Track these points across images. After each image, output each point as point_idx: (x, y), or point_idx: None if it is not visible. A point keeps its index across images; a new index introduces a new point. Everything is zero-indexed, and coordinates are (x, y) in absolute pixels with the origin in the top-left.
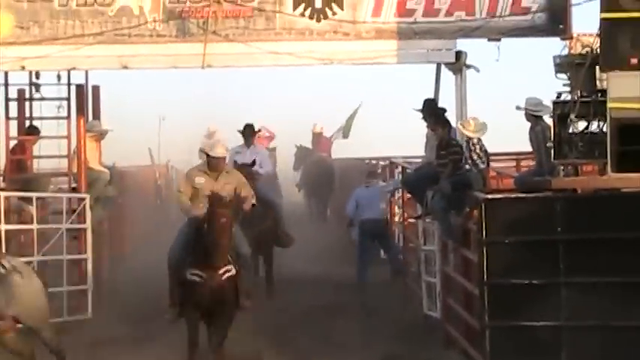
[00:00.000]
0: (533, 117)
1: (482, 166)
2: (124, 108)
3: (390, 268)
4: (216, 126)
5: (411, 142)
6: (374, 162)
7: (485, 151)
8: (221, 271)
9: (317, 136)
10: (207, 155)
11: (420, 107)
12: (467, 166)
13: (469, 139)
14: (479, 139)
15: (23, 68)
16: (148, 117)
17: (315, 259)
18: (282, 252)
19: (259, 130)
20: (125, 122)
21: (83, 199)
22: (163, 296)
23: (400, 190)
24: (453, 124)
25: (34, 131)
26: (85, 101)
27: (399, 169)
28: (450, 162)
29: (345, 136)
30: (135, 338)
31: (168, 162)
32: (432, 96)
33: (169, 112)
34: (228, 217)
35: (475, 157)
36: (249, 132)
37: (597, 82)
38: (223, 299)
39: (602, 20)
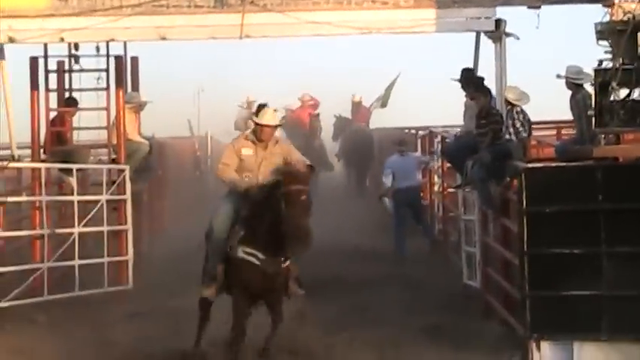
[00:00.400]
0: (574, 85)
1: (524, 134)
2: (163, 79)
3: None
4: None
5: (451, 111)
6: (413, 131)
7: (529, 120)
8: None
9: (356, 106)
10: (256, 123)
11: (459, 77)
12: (508, 135)
13: (512, 106)
14: (522, 109)
15: (62, 40)
16: (186, 88)
17: (354, 230)
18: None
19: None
20: (164, 93)
21: (123, 171)
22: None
23: (439, 159)
24: (493, 92)
25: (72, 103)
26: (123, 73)
27: (439, 138)
28: (489, 131)
29: (384, 105)
30: (174, 310)
31: (207, 133)
32: (471, 65)
33: (208, 83)
34: (307, 194)
35: (518, 125)
36: None
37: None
38: (275, 287)
39: None
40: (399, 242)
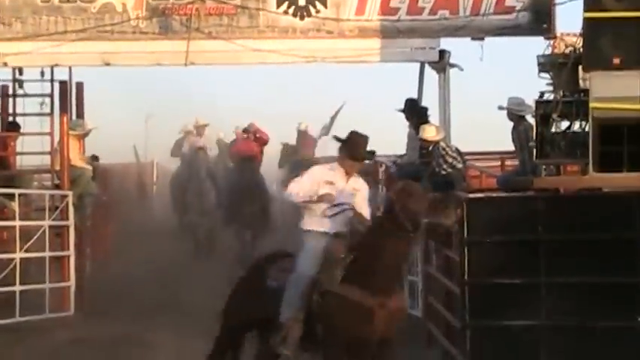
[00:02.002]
0: (516, 116)
1: (460, 165)
2: (109, 105)
3: None
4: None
5: (395, 141)
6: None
7: (457, 150)
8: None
9: (302, 134)
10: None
11: (402, 107)
12: (443, 171)
13: (436, 144)
14: (446, 143)
15: (6, 64)
16: (134, 114)
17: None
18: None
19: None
20: (111, 119)
21: (66, 196)
22: (145, 294)
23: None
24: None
25: (15, 127)
26: (68, 98)
27: (383, 167)
28: (430, 162)
29: (326, 133)
30: (115, 337)
31: (153, 160)
32: (415, 95)
33: (156, 109)
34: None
35: (450, 159)
36: None
37: (580, 82)
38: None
39: (585, 20)
40: None
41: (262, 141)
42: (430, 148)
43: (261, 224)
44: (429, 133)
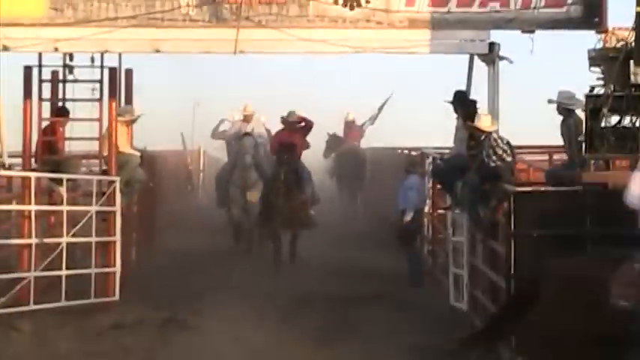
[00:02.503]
0: (566, 110)
1: (509, 159)
2: (158, 91)
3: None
4: (252, 107)
5: (443, 132)
6: (406, 152)
7: (509, 143)
8: None
9: (349, 125)
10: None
11: (451, 99)
12: (492, 163)
13: (489, 134)
14: (498, 135)
15: (57, 50)
16: (182, 102)
17: (345, 248)
18: (313, 240)
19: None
20: (158, 106)
21: (113, 182)
22: (189, 280)
23: (430, 180)
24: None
25: (64, 113)
26: (117, 84)
27: (430, 159)
28: (480, 153)
29: (372, 124)
30: (160, 322)
31: (200, 147)
32: (464, 87)
33: (204, 97)
34: None
35: (500, 151)
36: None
37: (631, 77)
38: None
39: (638, 14)
40: (416, 267)
41: (307, 128)
42: (482, 138)
43: (301, 222)
44: (485, 122)
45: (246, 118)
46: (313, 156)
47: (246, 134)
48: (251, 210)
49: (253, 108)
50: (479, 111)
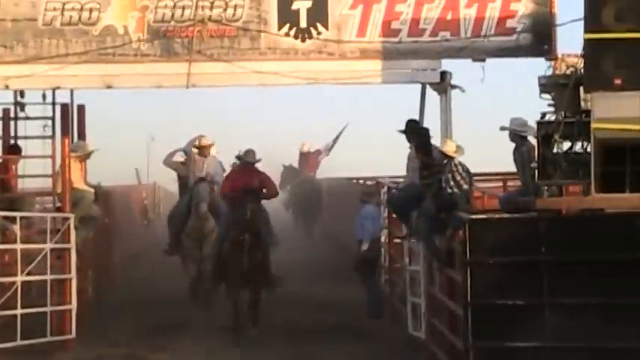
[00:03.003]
0: (518, 137)
1: (465, 186)
2: (111, 127)
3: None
4: (208, 139)
5: (397, 161)
6: (362, 181)
7: (468, 170)
8: None
9: (304, 156)
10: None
11: (404, 128)
12: (449, 189)
13: (450, 159)
14: (459, 161)
15: (7, 87)
16: (136, 137)
17: (301, 279)
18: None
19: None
20: (112, 142)
21: (67, 219)
22: (147, 316)
23: (385, 209)
24: (438, 144)
25: (16, 150)
26: (69, 120)
27: (385, 188)
28: (433, 182)
29: (328, 155)
30: (118, 358)
31: (155, 182)
32: (417, 116)
33: (158, 132)
34: None
35: (458, 177)
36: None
37: (582, 103)
38: None
39: (586, 41)
40: (375, 297)
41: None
42: (445, 162)
43: (265, 281)
44: (450, 147)
45: (202, 152)
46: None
47: (201, 180)
48: (207, 264)
49: (208, 140)
50: (432, 140)
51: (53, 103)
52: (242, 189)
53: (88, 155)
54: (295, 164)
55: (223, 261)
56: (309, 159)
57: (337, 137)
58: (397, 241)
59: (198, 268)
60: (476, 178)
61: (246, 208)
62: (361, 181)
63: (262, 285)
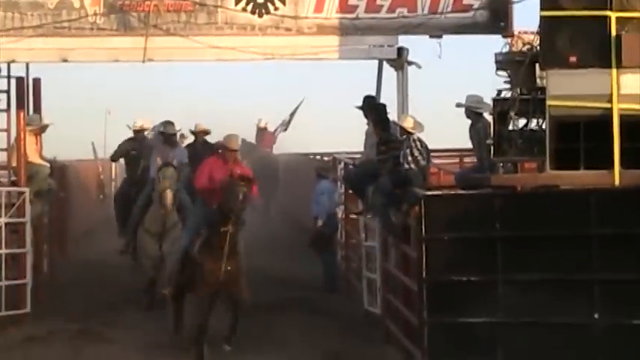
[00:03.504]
0: (474, 114)
1: (422, 162)
2: (68, 101)
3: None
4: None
5: (354, 137)
6: (318, 157)
7: (426, 147)
8: None
9: (261, 131)
10: None
11: (361, 104)
12: (407, 164)
13: (409, 135)
14: (418, 137)
15: None
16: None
17: (259, 255)
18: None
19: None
20: (69, 116)
21: (22, 193)
22: (102, 291)
23: (342, 185)
24: (396, 120)
25: None
26: (25, 94)
27: (342, 164)
28: (390, 158)
29: (285, 130)
30: (72, 334)
31: None
32: (374, 92)
33: (115, 106)
34: None
35: (416, 153)
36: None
37: (537, 80)
38: None
39: (542, 18)
40: (331, 272)
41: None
42: (403, 137)
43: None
44: (408, 123)
45: (170, 138)
46: None
47: (167, 164)
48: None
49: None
50: (388, 116)
51: (8, 77)
52: (239, 176)
53: (43, 129)
54: (252, 140)
55: (193, 260)
56: (265, 135)
57: (294, 112)
58: (353, 217)
59: (156, 270)
60: (432, 154)
61: (237, 194)
62: (318, 157)
63: (240, 293)
